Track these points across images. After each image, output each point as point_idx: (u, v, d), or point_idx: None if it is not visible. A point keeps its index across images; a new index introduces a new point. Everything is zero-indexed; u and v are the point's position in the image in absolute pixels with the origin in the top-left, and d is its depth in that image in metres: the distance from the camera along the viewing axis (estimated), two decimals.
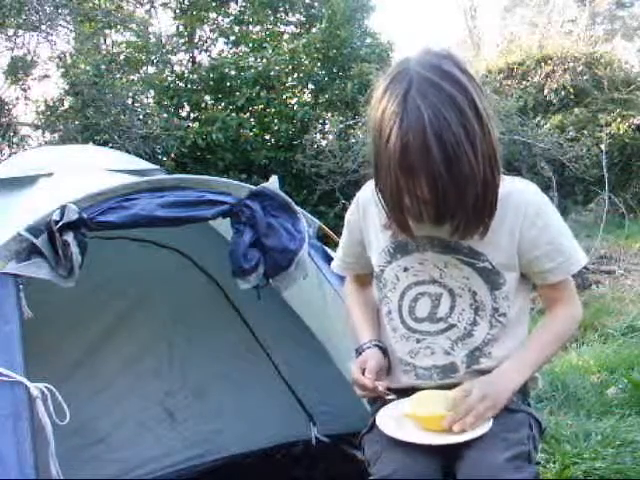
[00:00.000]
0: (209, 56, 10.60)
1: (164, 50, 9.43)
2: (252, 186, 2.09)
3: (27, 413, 1.50)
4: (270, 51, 9.82)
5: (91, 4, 8.55)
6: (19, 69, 7.72)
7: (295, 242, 2.07)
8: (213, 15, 10.70)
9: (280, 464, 2.96)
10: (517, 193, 1.39)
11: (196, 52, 10.63)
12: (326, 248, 2.29)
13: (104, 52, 9.22)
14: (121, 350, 2.82)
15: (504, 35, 14.68)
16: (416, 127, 1.21)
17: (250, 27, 10.81)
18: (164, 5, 10.18)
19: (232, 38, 10.47)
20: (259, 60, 9.86)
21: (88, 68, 8.25)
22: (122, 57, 9.37)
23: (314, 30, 10.55)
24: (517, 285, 1.45)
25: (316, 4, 10.84)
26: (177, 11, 10.42)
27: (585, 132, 9.98)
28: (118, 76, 8.96)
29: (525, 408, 1.46)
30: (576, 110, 10.68)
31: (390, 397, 1.45)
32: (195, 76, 10.02)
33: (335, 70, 10.52)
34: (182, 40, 10.31)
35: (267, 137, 10.30)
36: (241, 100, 9.67)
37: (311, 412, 3.04)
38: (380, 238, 1.50)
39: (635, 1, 16.52)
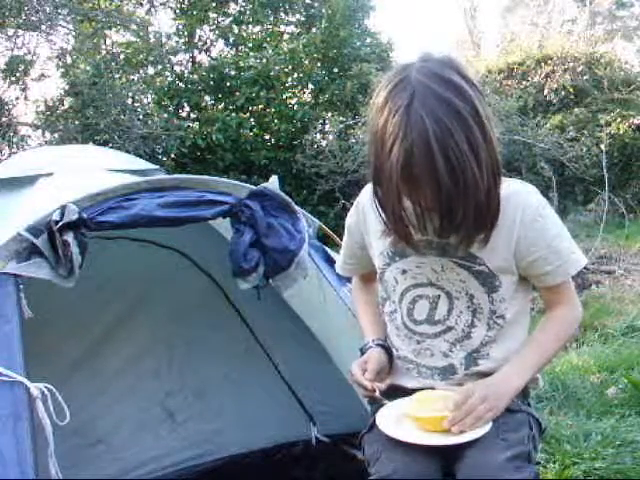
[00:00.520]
0: (209, 56, 10.60)
1: (164, 50, 9.43)
2: (252, 186, 2.09)
3: (27, 413, 1.50)
4: (270, 51, 9.82)
5: (91, 4, 8.55)
6: (17, 69, 7.72)
7: (295, 242, 2.07)
8: (213, 15, 10.70)
9: (280, 464, 2.95)
10: (514, 196, 1.38)
11: (196, 52, 10.64)
12: (326, 248, 2.29)
13: (104, 52, 9.22)
14: (121, 350, 2.82)
15: (504, 35, 14.67)
16: (420, 140, 1.19)
17: (250, 27, 10.81)
18: (164, 5, 10.18)
19: (232, 38, 10.47)
20: (259, 60, 9.86)
21: (88, 68, 8.26)
22: (122, 57, 9.37)
23: (314, 30, 10.56)
24: (515, 287, 1.45)
25: (316, 4, 10.85)
26: (177, 11, 10.43)
27: (585, 132, 9.98)
28: (118, 76, 8.96)
29: (525, 408, 1.46)
30: (576, 110, 10.67)
31: (384, 402, 1.45)
32: (195, 76, 10.03)
33: (335, 70, 10.53)
34: (182, 40, 10.31)
35: (267, 137, 10.31)
36: (241, 100, 9.68)
37: (311, 412, 3.04)
38: (380, 241, 1.50)
39: (635, 1, 16.52)
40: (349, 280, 1.82)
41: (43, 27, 7.73)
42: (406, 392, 1.47)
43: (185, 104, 10.12)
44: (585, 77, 10.84)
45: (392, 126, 1.22)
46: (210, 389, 2.96)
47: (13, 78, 7.82)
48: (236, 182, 2.13)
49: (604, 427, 2.78)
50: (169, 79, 10.13)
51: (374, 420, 1.44)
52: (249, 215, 2.00)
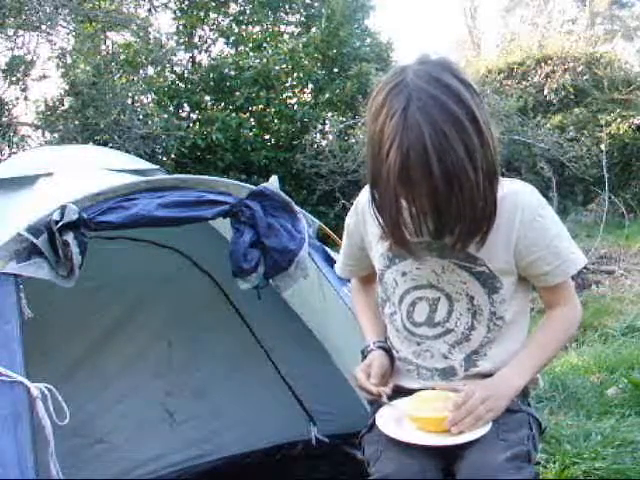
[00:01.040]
0: (209, 56, 10.60)
1: (164, 50, 9.44)
2: (252, 186, 2.09)
3: (27, 413, 1.50)
4: (270, 51, 9.82)
5: (91, 4, 8.55)
6: (18, 69, 7.72)
7: (295, 242, 2.07)
8: (213, 15, 10.70)
9: (280, 464, 2.95)
10: (513, 196, 1.38)
11: (196, 52, 10.64)
12: (326, 248, 2.29)
13: (104, 52, 9.22)
14: (121, 350, 2.82)
15: (504, 35, 14.67)
16: (416, 144, 1.19)
17: (250, 27, 10.81)
18: (164, 5, 10.18)
19: (232, 38, 10.47)
20: (258, 60, 9.86)
21: (88, 68, 8.25)
22: (122, 57, 9.37)
23: (313, 30, 10.56)
24: (515, 288, 1.45)
25: (316, 4, 10.86)
26: (177, 11, 10.42)
27: (585, 132, 9.99)
28: (118, 76, 8.96)
29: (525, 408, 1.46)
30: (576, 110, 10.68)
31: (387, 403, 1.45)
32: (195, 76, 10.02)
33: (335, 70, 10.53)
34: (182, 40, 10.31)
35: (267, 137, 10.32)
36: (240, 100, 9.68)
37: (311, 412, 3.04)
38: (379, 243, 1.50)
39: (635, 1, 16.52)
40: (349, 280, 1.82)
41: (43, 27, 7.73)
42: (407, 393, 1.47)
43: (185, 104, 10.12)
44: (585, 77, 10.85)
45: (389, 130, 1.22)
46: (210, 389, 2.96)
47: (13, 78, 7.81)
48: (236, 182, 2.13)
49: (604, 427, 2.77)
50: (169, 79, 10.13)
51: (374, 420, 1.44)
52: (249, 215, 2.00)
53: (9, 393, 1.51)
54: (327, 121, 10.21)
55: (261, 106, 10.12)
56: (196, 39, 10.66)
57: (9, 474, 1.41)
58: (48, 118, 8.34)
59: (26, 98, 8.18)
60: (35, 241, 1.70)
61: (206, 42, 10.74)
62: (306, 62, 10.22)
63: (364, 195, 1.53)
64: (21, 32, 7.87)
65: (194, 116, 10.22)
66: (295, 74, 10.45)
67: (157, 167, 2.89)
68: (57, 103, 8.50)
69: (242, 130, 9.70)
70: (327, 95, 10.26)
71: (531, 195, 1.41)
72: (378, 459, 1.40)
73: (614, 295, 5.69)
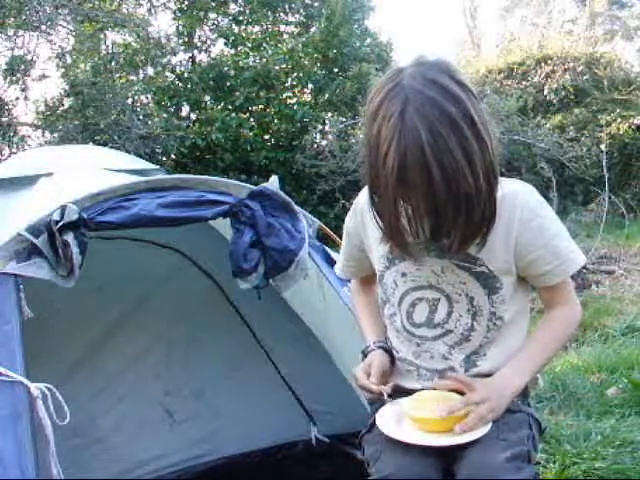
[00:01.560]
0: (209, 56, 10.61)
1: (164, 50, 9.44)
2: (252, 186, 2.09)
3: (27, 413, 1.50)
4: (269, 51, 9.82)
5: (91, 4, 8.55)
6: (18, 69, 7.72)
7: (295, 242, 2.07)
8: (212, 15, 10.70)
9: (280, 464, 2.95)
10: (512, 196, 1.38)
11: (196, 52, 10.64)
12: (326, 248, 2.29)
13: (104, 52, 9.22)
14: (121, 350, 2.82)
15: (504, 35, 14.68)
16: (414, 146, 1.19)
17: (249, 27, 10.81)
18: (163, 5, 10.18)
19: (231, 38, 10.47)
20: (258, 60, 9.86)
21: (88, 68, 8.26)
22: (122, 57, 9.37)
23: (313, 30, 10.56)
24: (515, 288, 1.45)
25: (315, 4, 10.85)
26: (176, 11, 10.43)
27: (585, 132, 10.00)
28: (118, 76, 8.96)
29: (525, 408, 1.46)
30: (576, 110, 10.69)
31: (387, 401, 1.46)
32: (194, 76, 10.02)
33: (335, 70, 10.53)
34: (181, 40, 10.31)
35: (267, 137, 10.31)
36: (240, 99, 9.67)
37: (311, 412, 3.04)
38: (379, 245, 1.50)
39: (635, 1, 16.51)
40: (349, 280, 1.82)
41: (43, 27, 7.73)
42: (407, 393, 1.47)
43: (185, 104, 10.13)
44: (585, 77, 10.85)
45: (386, 132, 1.22)
46: (210, 389, 2.96)
47: (14, 78, 7.81)
48: (236, 182, 2.13)
49: (604, 427, 2.78)
50: (169, 79, 10.13)
51: (374, 420, 1.44)
52: (249, 215, 2.00)
53: (9, 393, 1.51)
54: (327, 121, 10.21)
55: (261, 106, 10.12)
56: (196, 39, 10.66)
57: (9, 474, 1.41)
58: (48, 118, 8.35)
59: (26, 98, 8.18)
60: (35, 241, 1.70)
61: (206, 42, 10.75)
62: (306, 62, 10.22)
63: (363, 196, 1.52)
64: (21, 32, 7.88)
65: (194, 116, 10.22)
66: (295, 74, 10.45)
67: (157, 167, 2.89)
68: (57, 103, 8.50)
69: (242, 130, 9.70)
70: (327, 95, 10.26)
71: (530, 195, 1.41)
72: (378, 459, 1.40)
73: (614, 295, 5.69)
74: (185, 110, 10.32)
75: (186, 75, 10.31)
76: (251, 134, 9.92)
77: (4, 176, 2.39)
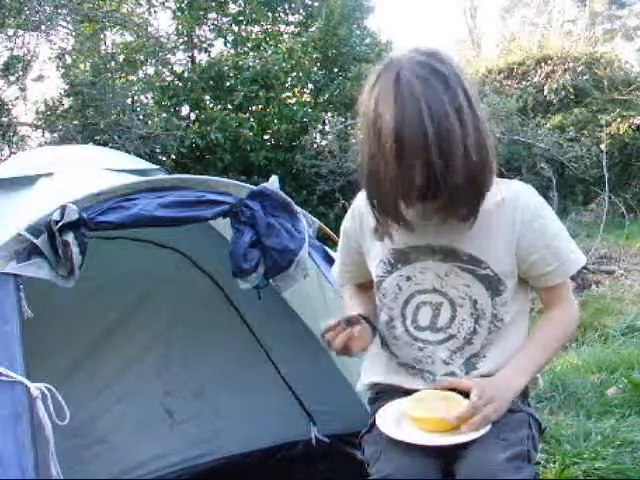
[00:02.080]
0: (209, 56, 10.61)
1: (163, 50, 9.44)
2: (252, 186, 2.09)
3: (27, 413, 1.50)
4: (269, 51, 9.82)
5: (91, 4, 8.55)
6: (16, 69, 7.71)
7: (295, 242, 2.07)
8: (212, 15, 10.70)
9: (280, 464, 2.95)
10: (512, 197, 1.39)
11: (195, 52, 10.64)
12: (326, 248, 2.28)
13: (103, 52, 9.22)
14: (121, 350, 2.82)
15: (504, 35, 14.68)
16: (410, 96, 1.22)
17: (249, 27, 10.81)
18: (162, 5, 10.18)
19: (231, 38, 10.47)
20: (258, 60, 9.86)
21: (87, 68, 8.26)
22: (121, 57, 9.37)
23: (312, 29, 10.55)
24: (515, 289, 1.45)
25: (315, 4, 10.85)
26: (176, 11, 10.43)
27: (585, 132, 10.00)
28: (117, 76, 8.96)
29: (525, 408, 1.46)
30: (576, 110, 10.68)
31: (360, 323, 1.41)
32: (194, 76, 10.02)
33: (334, 70, 10.53)
34: (181, 40, 10.31)
35: (266, 137, 10.31)
36: (239, 99, 9.66)
37: (311, 412, 3.04)
38: (378, 247, 1.49)
39: (635, 0, 16.51)
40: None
41: (43, 27, 7.73)
42: (407, 393, 1.47)
43: (184, 104, 10.12)
44: (585, 77, 10.85)
45: (384, 94, 1.26)
46: (210, 389, 2.96)
47: (12, 78, 7.81)
48: (236, 182, 2.13)
49: (604, 427, 2.77)
50: (168, 79, 10.13)
51: (374, 420, 1.44)
52: (249, 215, 2.00)
53: (9, 393, 1.51)
54: (327, 121, 10.21)
55: (260, 106, 10.12)
56: (195, 39, 10.65)
57: (9, 474, 1.41)
58: (48, 118, 8.35)
59: (25, 98, 8.19)
60: (35, 241, 1.70)
61: (205, 42, 10.75)
62: (305, 62, 10.22)
63: (360, 199, 1.52)
64: (21, 32, 7.87)
65: (193, 116, 10.22)
66: (294, 73, 10.45)
67: (157, 167, 2.89)
68: (57, 103, 8.50)
69: (241, 130, 9.70)
70: (327, 95, 10.26)
71: (531, 196, 1.42)
72: (378, 459, 1.40)
73: (614, 295, 5.68)
74: (185, 110, 10.32)
75: (186, 75, 10.31)
76: (251, 134, 9.91)
77: (4, 176, 2.39)
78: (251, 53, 10.21)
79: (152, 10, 9.79)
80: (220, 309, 2.92)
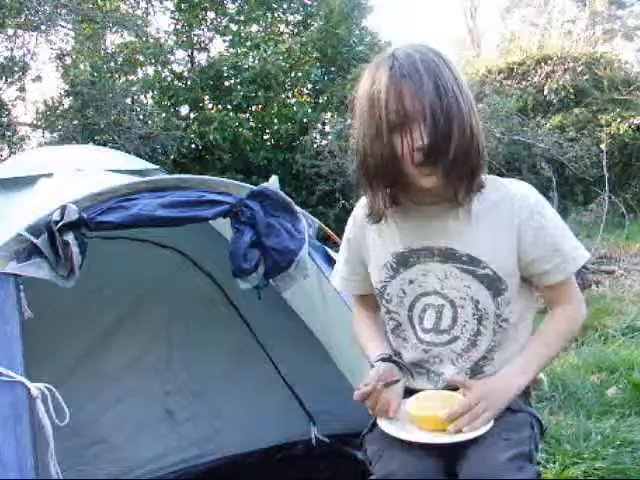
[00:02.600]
0: (208, 56, 10.60)
1: (162, 50, 9.43)
2: (252, 186, 2.09)
3: (27, 413, 1.50)
4: (268, 51, 9.81)
5: (91, 4, 8.54)
6: (14, 70, 7.71)
7: (295, 242, 2.07)
8: (211, 15, 10.69)
9: (280, 464, 2.95)
10: (512, 196, 1.39)
11: (195, 52, 10.63)
12: (326, 248, 2.28)
13: (103, 52, 9.21)
14: (121, 350, 2.82)
15: (504, 35, 14.69)
16: (407, 63, 1.28)
17: (248, 26, 10.81)
18: (162, 5, 10.17)
19: (230, 37, 10.46)
20: (257, 60, 9.85)
21: (87, 68, 8.26)
22: (121, 57, 9.36)
23: (311, 28, 10.54)
24: (519, 289, 1.45)
25: (314, 3, 10.84)
26: (175, 11, 10.42)
27: (585, 132, 9.99)
28: (117, 76, 8.96)
29: (527, 408, 1.45)
30: (576, 110, 10.68)
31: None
32: (193, 76, 10.02)
33: (334, 69, 10.53)
34: (180, 40, 10.31)
35: (266, 137, 10.30)
36: (238, 99, 9.65)
37: (311, 412, 3.04)
38: (380, 254, 1.49)
39: (635, 0, 16.52)
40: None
41: (43, 27, 7.72)
42: (411, 393, 1.47)
43: (184, 103, 10.12)
44: (585, 77, 10.84)
45: (381, 71, 1.30)
46: (210, 389, 2.96)
47: (11, 79, 7.81)
48: (236, 182, 2.13)
49: (604, 427, 2.77)
50: (168, 79, 10.13)
51: (375, 420, 1.44)
52: (249, 215, 2.00)
53: (9, 393, 1.50)
54: (327, 121, 10.20)
55: (260, 106, 10.11)
56: (194, 39, 10.65)
57: (9, 474, 1.40)
58: (48, 118, 8.34)
59: (23, 99, 8.19)
60: (35, 241, 1.70)
61: (204, 41, 10.74)
62: (304, 61, 10.21)
63: (360, 207, 1.53)
64: (21, 32, 7.87)
65: (193, 116, 10.22)
66: (293, 73, 10.44)
67: (157, 167, 2.89)
68: (57, 103, 8.50)
69: (241, 130, 9.69)
70: (326, 96, 10.25)
71: (530, 194, 1.42)
72: (380, 458, 1.39)
73: (614, 295, 5.69)
74: (184, 110, 10.31)
75: (185, 75, 10.31)
76: (250, 134, 9.91)
77: (4, 176, 2.39)
78: (250, 53, 10.20)
79: (151, 9, 9.78)
80: (220, 309, 2.93)
